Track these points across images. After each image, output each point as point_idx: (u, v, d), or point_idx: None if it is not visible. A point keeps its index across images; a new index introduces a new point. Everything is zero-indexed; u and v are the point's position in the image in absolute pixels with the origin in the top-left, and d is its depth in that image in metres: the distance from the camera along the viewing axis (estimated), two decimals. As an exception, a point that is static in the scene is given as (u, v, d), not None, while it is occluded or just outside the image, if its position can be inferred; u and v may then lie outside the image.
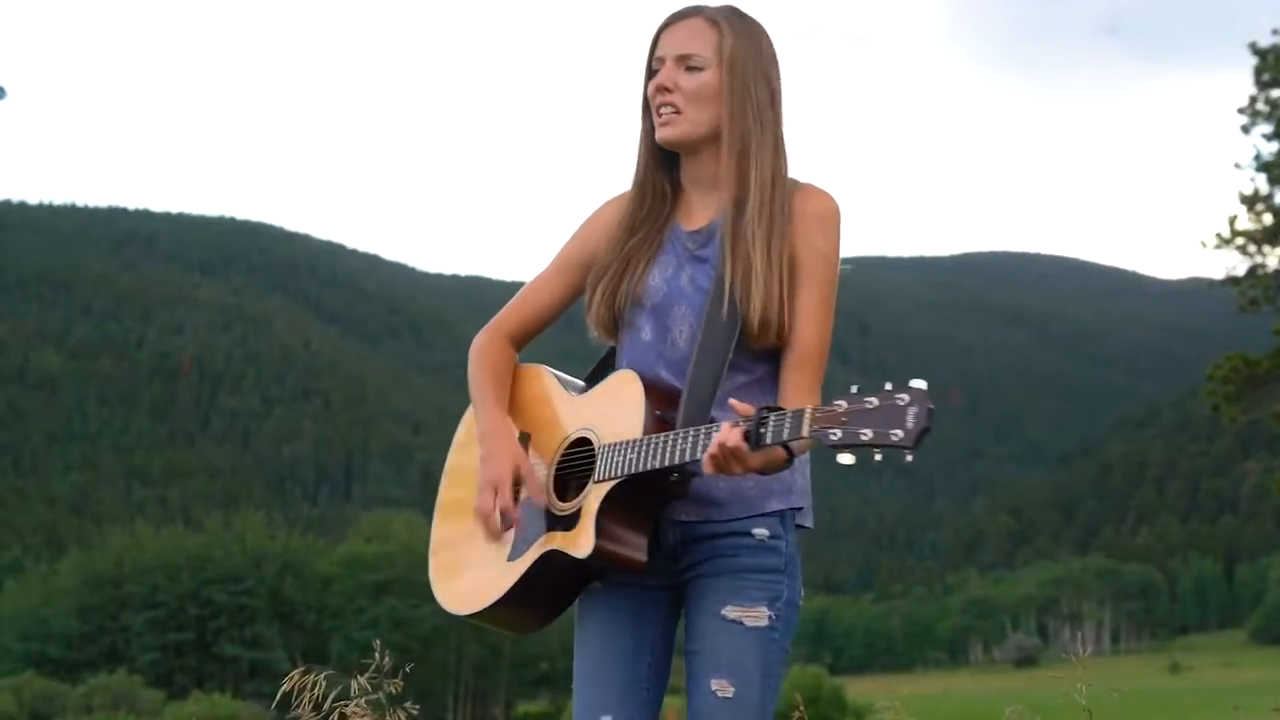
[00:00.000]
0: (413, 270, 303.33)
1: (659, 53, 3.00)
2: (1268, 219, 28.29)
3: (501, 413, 3.06)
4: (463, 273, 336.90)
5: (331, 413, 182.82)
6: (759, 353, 2.94)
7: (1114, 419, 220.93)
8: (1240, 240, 28.31)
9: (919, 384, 2.58)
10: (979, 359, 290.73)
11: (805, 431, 2.60)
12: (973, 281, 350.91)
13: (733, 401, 2.70)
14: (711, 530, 2.92)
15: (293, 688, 3.77)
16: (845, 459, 2.58)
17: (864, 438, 2.56)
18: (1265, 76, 28.73)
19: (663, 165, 3.05)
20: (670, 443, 2.78)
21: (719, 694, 2.85)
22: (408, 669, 4.05)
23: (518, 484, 2.98)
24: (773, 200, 2.93)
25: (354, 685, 3.85)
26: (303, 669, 3.77)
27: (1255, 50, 28.88)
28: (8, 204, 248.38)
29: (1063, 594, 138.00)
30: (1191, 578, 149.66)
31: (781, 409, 2.67)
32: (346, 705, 3.82)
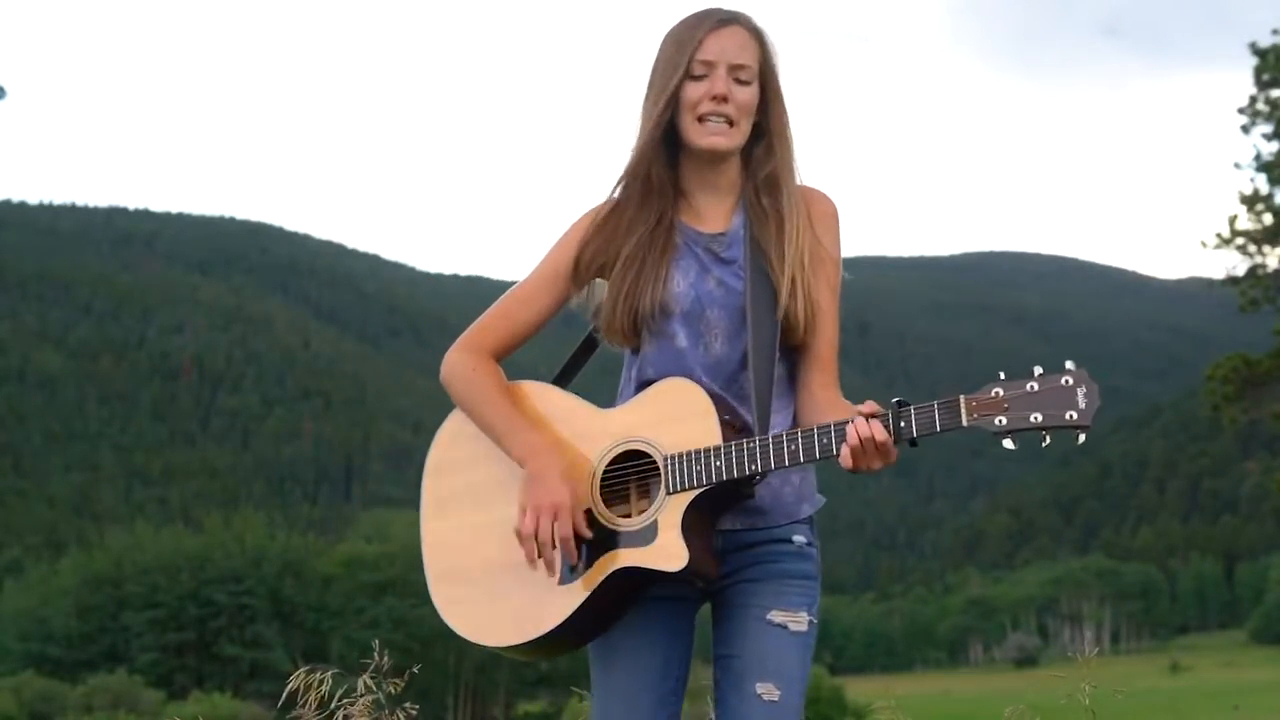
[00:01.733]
0: (413, 270, 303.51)
1: (706, 56, 2.92)
2: (1268, 219, 28.31)
3: (538, 431, 2.93)
4: (463, 273, 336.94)
5: (331, 413, 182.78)
6: (782, 354, 2.95)
7: (1114, 419, 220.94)
8: (1240, 240, 28.33)
9: (1072, 365, 2.65)
10: (979, 359, 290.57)
11: (964, 421, 2.63)
12: (973, 281, 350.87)
13: (860, 408, 2.71)
14: (755, 538, 2.93)
15: (297, 687, 3.75)
16: (1009, 444, 2.64)
17: (1036, 421, 2.62)
18: (1265, 76, 28.75)
19: (664, 164, 2.99)
20: (775, 445, 2.76)
21: (765, 698, 2.83)
22: (415, 669, 4.03)
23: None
24: (798, 206, 2.96)
25: (360, 684, 3.84)
26: (307, 668, 3.76)
27: (1255, 50, 28.91)
28: (8, 204, 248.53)
29: (1063, 594, 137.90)
30: (1191, 578, 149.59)
31: (915, 403, 2.68)
32: (352, 704, 3.81)
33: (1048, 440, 2.64)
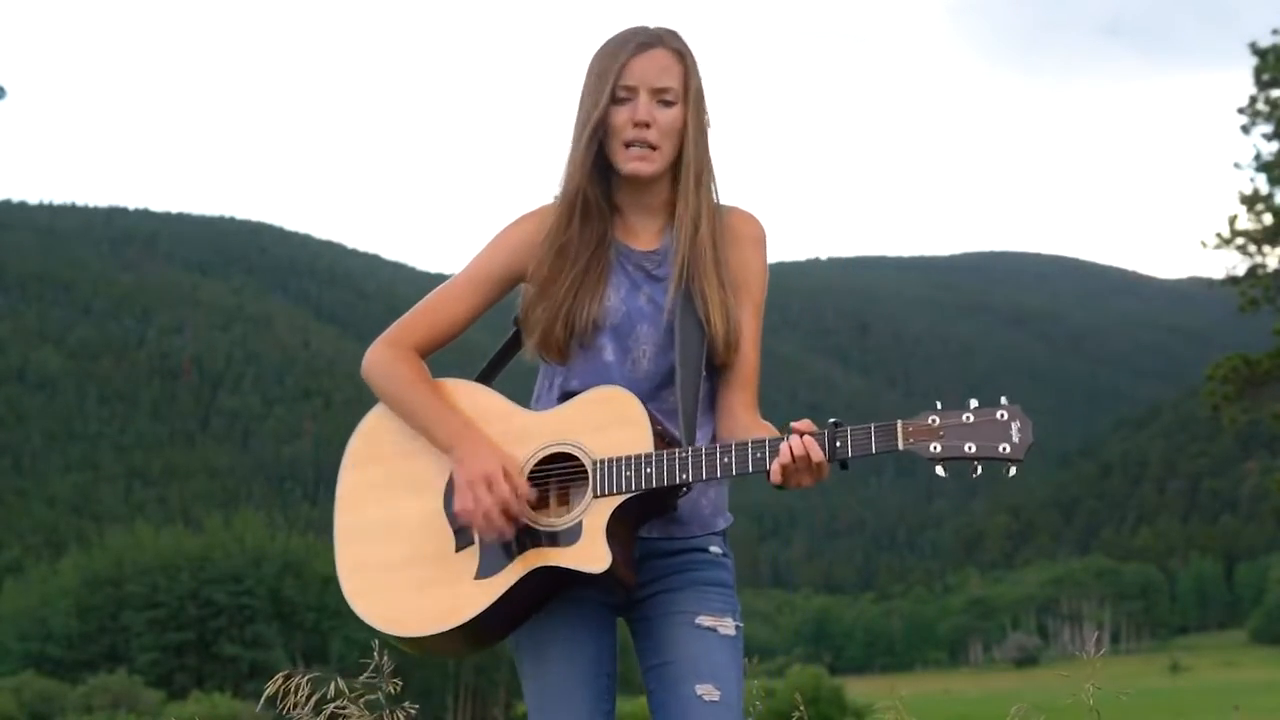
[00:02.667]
0: (413, 270, 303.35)
1: (628, 81, 2.95)
2: (1268, 219, 28.31)
3: (463, 416, 2.93)
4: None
5: (331, 413, 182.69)
6: (707, 372, 2.98)
7: (1114, 419, 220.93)
8: (1240, 240, 28.34)
9: (1006, 401, 2.71)
10: (979, 359, 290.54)
11: (900, 445, 2.69)
12: (973, 281, 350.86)
13: (796, 425, 2.75)
14: (672, 547, 2.95)
15: (278, 690, 3.75)
16: (941, 471, 2.69)
17: (969, 451, 2.68)
18: (1265, 76, 28.75)
19: (600, 184, 3.01)
20: (708, 456, 2.79)
21: (706, 698, 2.84)
22: (417, 671, 4.03)
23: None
24: (717, 225, 2.98)
25: (333, 686, 3.82)
26: (285, 672, 3.75)
27: (1255, 50, 28.91)
28: (8, 204, 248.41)
29: (1063, 594, 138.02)
30: (1191, 578, 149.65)
31: (850, 424, 2.73)
32: (346, 706, 3.80)
33: (979, 470, 2.69)
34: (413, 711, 3.96)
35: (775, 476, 2.73)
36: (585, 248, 2.97)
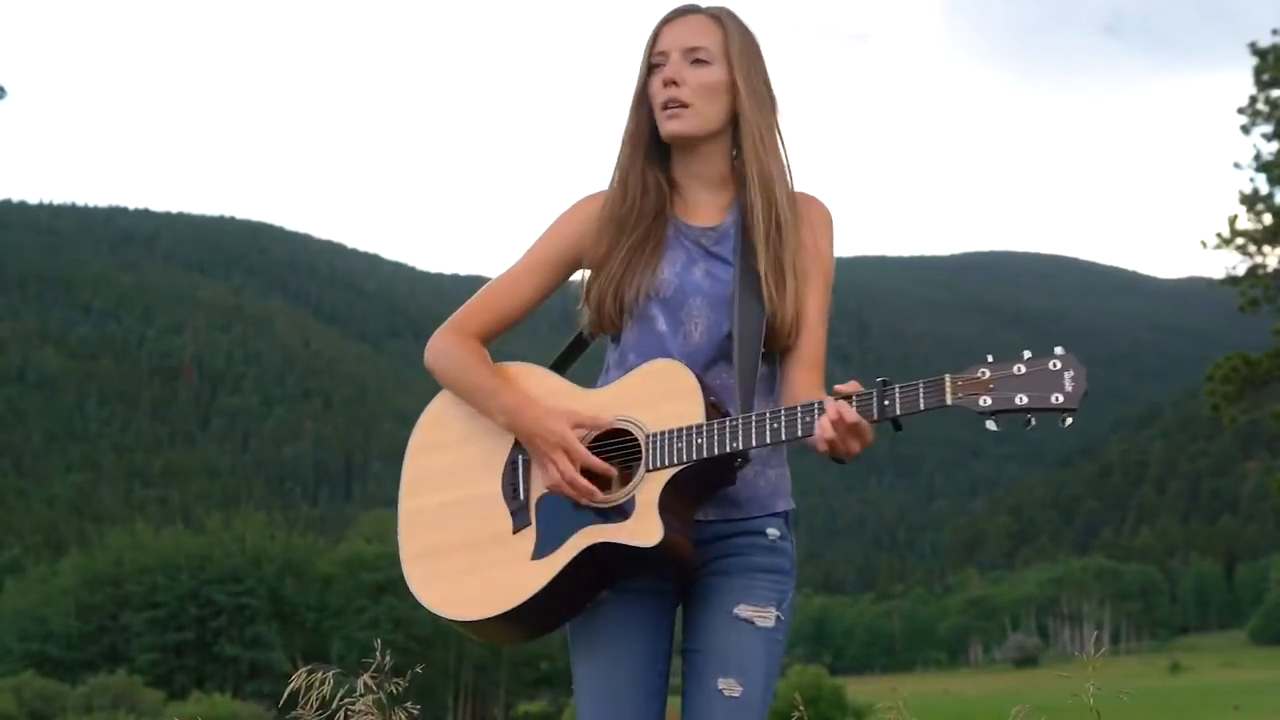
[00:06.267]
0: (413, 270, 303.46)
1: (661, 47, 2.95)
2: (1268, 219, 28.30)
3: (523, 392, 2.91)
4: (463, 272, 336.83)
5: (331, 413, 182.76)
6: (764, 356, 2.92)
7: (1114, 419, 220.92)
8: (1240, 240, 28.32)
9: (1061, 350, 2.61)
10: (979, 359, 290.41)
11: (949, 400, 2.60)
12: (973, 281, 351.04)
13: (840, 388, 2.69)
14: (727, 530, 2.90)
15: (298, 687, 3.75)
16: (992, 425, 2.61)
17: (1020, 402, 2.59)
18: (1265, 76, 28.75)
19: (654, 160, 3.00)
20: (757, 423, 2.73)
21: (726, 693, 2.81)
22: (419, 669, 4.03)
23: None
24: (787, 203, 2.94)
25: (360, 684, 3.83)
26: (308, 668, 3.75)
27: (1255, 50, 28.91)
28: (8, 204, 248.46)
29: (1063, 594, 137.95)
30: (1191, 578, 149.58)
31: (898, 382, 2.65)
32: (354, 703, 3.81)
33: (1032, 422, 2.60)
34: (414, 711, 3.96)
35: (822, 444, 2.65)
36: (641, 221, 2.95)
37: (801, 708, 4.56)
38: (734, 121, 2.97)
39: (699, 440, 2.74)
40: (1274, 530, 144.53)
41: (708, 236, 2.96)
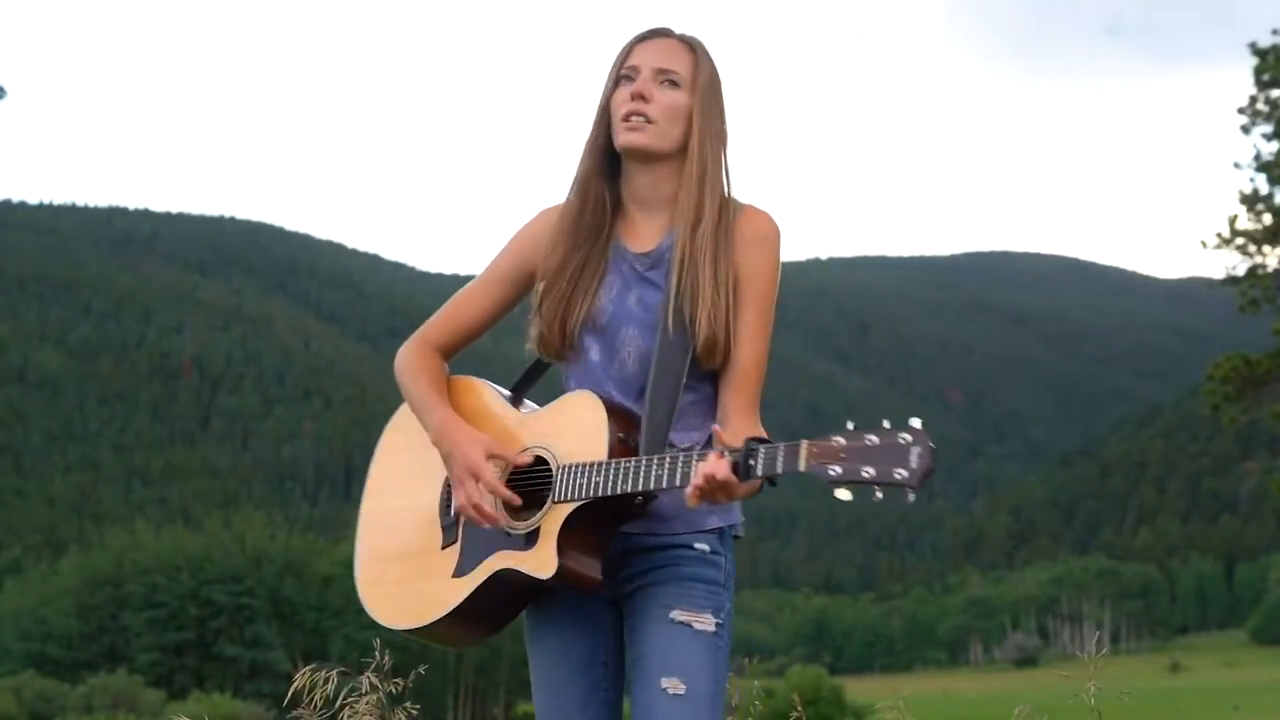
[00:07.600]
0: (413, 270, 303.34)
1: (633, 62, 2.99)
2: (1268, 219, 28.27)
3: (454, 413, 3.00)
4: (463, 272, 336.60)
5: (331, 413, 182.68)
6: (704, 373, 2.96)
7: (1114, 419, 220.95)
8: (1240, 240, 28.29)
9: (917, 423, 2.60)
10: (979, 359, 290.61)
11: (801, 466, 2.61)
12: (973, 281, 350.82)
13: (716, 429, 2.75)
14: (654, 542, 2.94)
15: (301, 685, 3.76)
16: (843, 495, 2.60)
17: (866, 475, 2.58)
18: (1265, 76, 28.72)
19: (607, 178, 3.03)
20: (645, 468, 2.77)
21: (670, 691, 2.84)
22: (422, 670, 4.05)
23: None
24: (719, 223, 2.95)
25: (365, 682, 3.84)
26: (311, 667, 3.76)
27: (1255, 50, 28.88)
28: (8, 204, 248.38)
29: (1063, 594, 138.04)
30: (1191, 578, 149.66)
31: (770, 441, 2.68)
32: (357, 702, 3.81)
33: (879, 495, 2.59)
34: (414, 711, 3.96)
35: (691, 500, 2.70)
36: (588, 240, 3.00)
37: (801, 708, 4.57)
38: (685, 150, 2.99)
39: (597, 479, 2.80)
40: (1274, 530, 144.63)
41: (642, 261, 3.00)
